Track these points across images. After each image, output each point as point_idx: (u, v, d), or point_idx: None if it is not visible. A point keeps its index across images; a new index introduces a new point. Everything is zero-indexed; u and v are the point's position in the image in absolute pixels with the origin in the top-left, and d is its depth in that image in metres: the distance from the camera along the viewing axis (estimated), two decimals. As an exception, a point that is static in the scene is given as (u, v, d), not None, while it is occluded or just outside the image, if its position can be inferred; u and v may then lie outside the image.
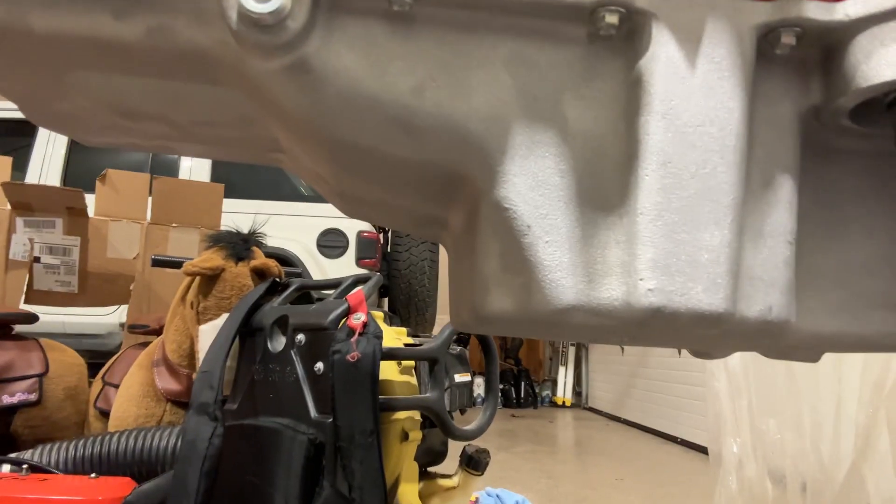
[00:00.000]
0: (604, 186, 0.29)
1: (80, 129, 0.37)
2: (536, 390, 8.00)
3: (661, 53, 0.28)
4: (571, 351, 8.11)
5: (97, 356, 1.53)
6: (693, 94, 0.28)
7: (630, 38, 0.29)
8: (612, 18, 0.28)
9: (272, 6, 0.26)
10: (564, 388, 7.96)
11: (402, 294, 4.39)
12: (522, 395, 7.69)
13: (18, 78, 0.31)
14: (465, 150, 0.29)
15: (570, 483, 3.13)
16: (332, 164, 0.31)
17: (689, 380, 4.80)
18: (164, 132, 0.35)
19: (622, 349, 6.56)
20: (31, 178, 3.89)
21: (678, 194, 0.28)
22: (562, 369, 8.05)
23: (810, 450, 0.71)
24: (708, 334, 0.29)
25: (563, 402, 7.89)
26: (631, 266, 0.28)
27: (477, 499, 1.61)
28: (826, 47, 0.31)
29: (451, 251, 0.38)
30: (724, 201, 0.28)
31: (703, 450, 4.29)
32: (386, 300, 4.45)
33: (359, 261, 4.06)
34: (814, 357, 0.40)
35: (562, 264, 0.28)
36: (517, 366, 7.70)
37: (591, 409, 7.56)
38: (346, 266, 4.00)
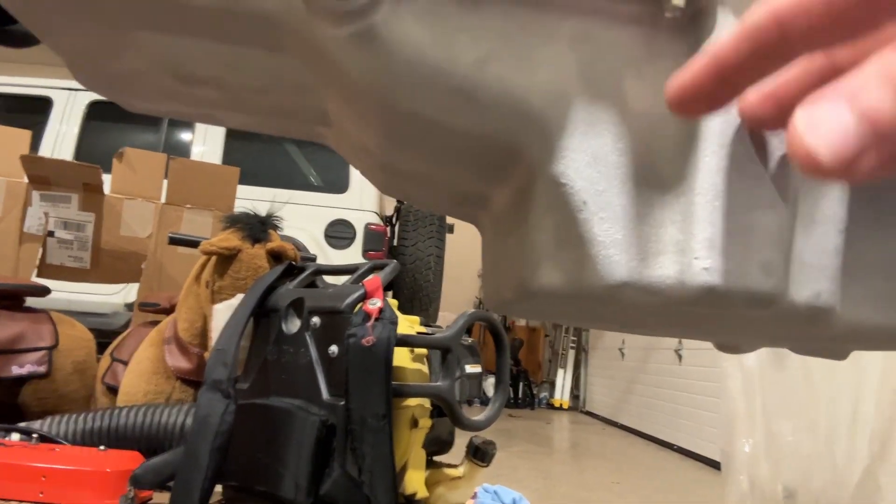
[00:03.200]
0: (661, 166, 0.29)
1: (128, 93, 0.37)
2: (535, 392, 8.01)
3: (726, 36, 0.28)
4: (571, 354, 8.11)
5: (102, 335, 1.54)
6: None
7: (694, 20, 0.29)
8: (678, 1, 0.28)
9: None
10: (562, 390, 7.97)
11: (407, 288, 4.41)
12: (520, 396, 7.70)
13: (78, 34, 0.32)
14: (525, 124, 0.30)
15: (567, 484, 3.14)
16: (383, 136, 0.32)
17: (689, 388, 4.80)
18: (213, 99, 0.35)
19: (622, 354, 6.56)
20: (44, 155, 3.91)
21: (737, 176, 0.28)
22: (560, 372, 8.06)
23: (824, 453, 0.71)
24: (756, 317, 0.29)
25: (561, 405, 7.89)
26: (686, 245, 0.28)
27: (476, 493, 1.61)
28: None
29: (490, 230, 0.38)
30: (781, 185, 0.28)
31: (700, 458, 4.29)
32: (390, 294, 4.47)
33: (365, 253, 4.07)
34: (842, 354, 0.40)
35: (616, 241, 0.28)
36: (516, 366, 7.72)
37: (588, 413, 7.57)
38: (352, 257, 4.02)
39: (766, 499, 0.80)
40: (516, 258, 0.32)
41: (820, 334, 0.33)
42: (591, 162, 0.29)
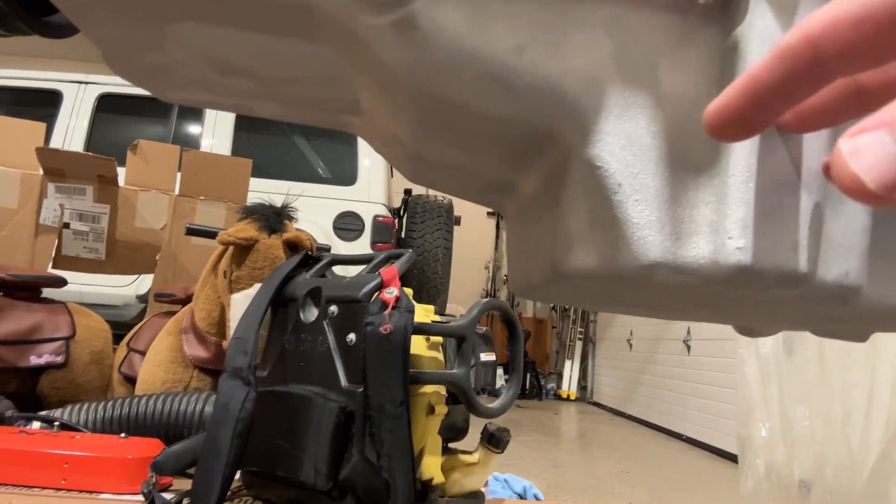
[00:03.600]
0: (694, 148, 0.30)
1: (164, 84, 0.38)
2: (542, 383, 8.03)
3: (758, 23, 0.29)
4: (578, 345, 8.12)
5: (114, 326, 1.56)
6: None
7: (727, 7, 0.30)
8: None
9: None
10: (570, 381, 7.99)
11: (415, 280, 4.42)
12: (528, 387, 7.73)
13: (118, 25, 0.32)
14: (561, 109, 0.30)
15: (576, 473, 3.15)
16: (417, 124, 0.32)
17: (698, 378, 4.81)
18: (249, 89, 0.36)
19: (630, 345, 6.56)
20: (55, 147, 3.93)
21: (769, 158, 0.29)
22: (568, 363, 8.07)
23: (840, 438, 0.72)
24: (786, 295, 0.30)
25: (568, 396, 7.91)
26: (720, 225, 0.29)
27: (486, 482, 1.63)
28: None
29: (516, 216, 0.39)
30: (812, 167, 0.29)
31: (709, 448, 4.30)
32: (399, 284, 4.47)
33: (374, 244, 4.09)
34: (863, 336, 0.41)
35: (650, 222, 0.29)
36: (524, 357, 7.74)
37: (596, 404, 7.58)
38: (361, 249, 4.04)
39: (782, 483, 0.81)
40: (546, 242, 0.33)
41: (846, 314, 0.33)
42: (625, 145, 0.29)
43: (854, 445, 0.73)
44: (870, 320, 0.34)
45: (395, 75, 0.30)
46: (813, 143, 0.29)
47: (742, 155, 0.29)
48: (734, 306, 0.35)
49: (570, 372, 7.91)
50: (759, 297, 0.32)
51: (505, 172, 0.36)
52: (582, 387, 7.91)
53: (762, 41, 0.29)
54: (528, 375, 7.73)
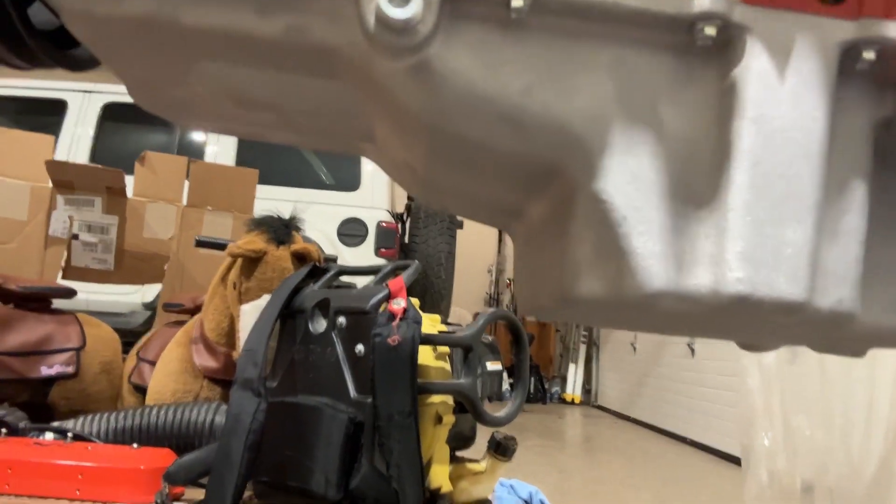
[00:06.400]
0: (695, 184, 0.31)
1: (187, 116, 0.39)
2: (546, 386, 8.02)
3: (754, 64, 0.30)
4: (582, 349, 8.11)
5: (121, 334, 1.58)
6: (782, 103, 0.30)
7: (725, 48, 0.31)
8: (710, 31, 0.30)
9: (409, 13, 0.29)
10: (574, 385, 7.98)
11: (419, 285, 4.42)
12: (532, 391, 7.72)
13: (145, 64, 0.34)
14: (568, 146, 0.32)
15: (581, 478, 3.16)
16: (430, 156, 0.34)
17: (701, 381, 4.80)
18: (268, 121, 0.38)
19: (634, 349, 6.56)
20: (60, 157, 3.95)
21: (766, 193, 0.30)
22: (572, 367, 8.06)
23: (840, 446, 0.73)
24: (784, 322, 0.32)
25: (573, 400, 7.90)
26: (720, 257, 0.30)
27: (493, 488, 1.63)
28: None
29: (525, 240, 0.40)
30: (808, 201, 0.30)
31: (713, 451, 4.30)
32: (403, 291, 4.47)
33: (377, 250, 4.10)
34: (860, 352, 0.42)
35: (654, 253, 0.30)
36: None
37: (600, 408, 7.57)
38: (364, 255, 4.04)
39: (785, 491, 0.82)
40: (555, 268, 0.34)
41: (841, 336, 0.35)
42: (629, 180, 0.31)
43: (854, 454, 0.74)
44: (865, 341, 0.36)
45: (409, 114, 0.31)
46: (807, 180, 0.31)
47: (741, 190, 0.30)
48: (735, 328, 0.37)
49: (575, 375, 7.90)
50: (758, 322, 0.33)
51: (513, 200, 0.37)
52: (586, 390, 7.91)
53: (759, 81, 0.31)
54: (533, 379, 7.73)
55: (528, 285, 0.40)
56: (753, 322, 0.33)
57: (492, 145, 0.32)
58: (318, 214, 3.98)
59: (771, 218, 0.30)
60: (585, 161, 0.31)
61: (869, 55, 0.32)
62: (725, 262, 0.30)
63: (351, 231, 4.08)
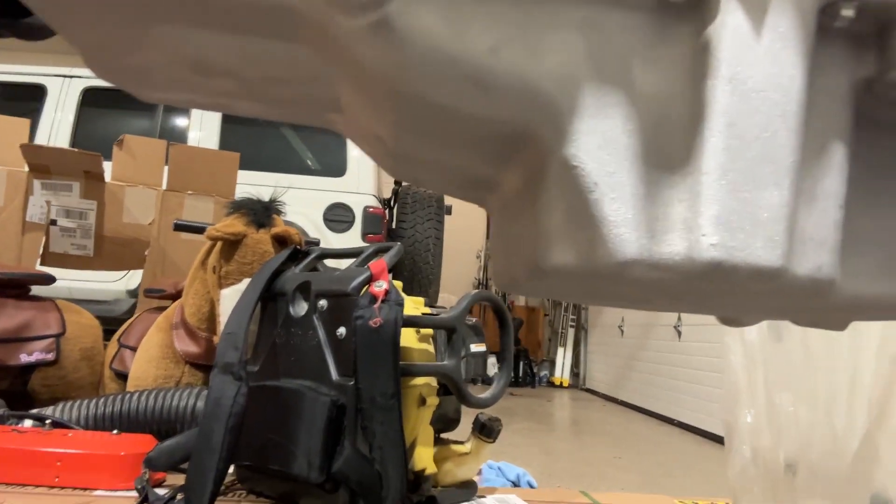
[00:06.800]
0: (669, 147, 0.30)
1: (144, 84, 0.38)
2: (535, 370, 8.07)
3: (729, 21, 0.29)
4: (570, 333, 8.16)
5: (104, 322, 1.56)
6: (758, 62, 0.29)
7: (698, 5, 0.30)
8: None
9: None
10: (562, 368, 8.03)
11: (407, 270, 4.41)
12: (521, 375, 7.76)
13: (99, 28, 0.32)
14: (537, 109, 0.31)
15: (568, 460, 3.18)
16: (396, 124, 0.33)
17: (689, 363, 4.85)
18: (230, 89, 0.36)
19: (622, 331, 6.61)
20: (40, 142, 3.89)
21: (742, 155, 0.29)
22: (560, 350, 8.11)
23: (824, 422, 0.73)
24: (761, 290, 0.31)
25: (561, 383, 7.96)
26: (693, 222, 0.29)
27: (480, 470, 1.64)
28: (882, 22, 0.32)
29: (499, 213, 0.39)
30: (784, 163, 0.29)
31: (700, 432, 4.35)
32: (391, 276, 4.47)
33: (364, 235, 4.08)
34: (842, 325, 0.42)
35: (626, 220, 0.29)
36: (517, 345, 7.76)
37: (588, 391, 7.63)
38: (351, 240, 4.02)
39: (768, 468, 0.82)
40: (528, 239, 0.33)
41: (821, 305, 0.34)
42: (601, 144, 0.30)
43: (838, 430, 0.74)
44: (846, 311, 0.35)
45: (372, 76, 0.30)
46: (784, 141, 0.30)
47: (715, 153, 0.29)
48: (712, 300, 0.36)
49: (563, 359, 7.95)
50: (735, 291, 0.32)
51: (485, 169, 0.36)
52: (574, 374, 7.96)
53: (734, 39, 0.30)
54: (521, 363, 7.77)
55: (503, 259, 0.39)
56: (730, 291, 0.32)
57: (460, 109, 0.31)
58: (304, 200, 3.95)
59: (746, 181, 0.29)
60: (556, 125, 0.30)
61: (848, 12, 0.31)
62: (699, 228, 0.29)
63: (337, 217, 4.05)
